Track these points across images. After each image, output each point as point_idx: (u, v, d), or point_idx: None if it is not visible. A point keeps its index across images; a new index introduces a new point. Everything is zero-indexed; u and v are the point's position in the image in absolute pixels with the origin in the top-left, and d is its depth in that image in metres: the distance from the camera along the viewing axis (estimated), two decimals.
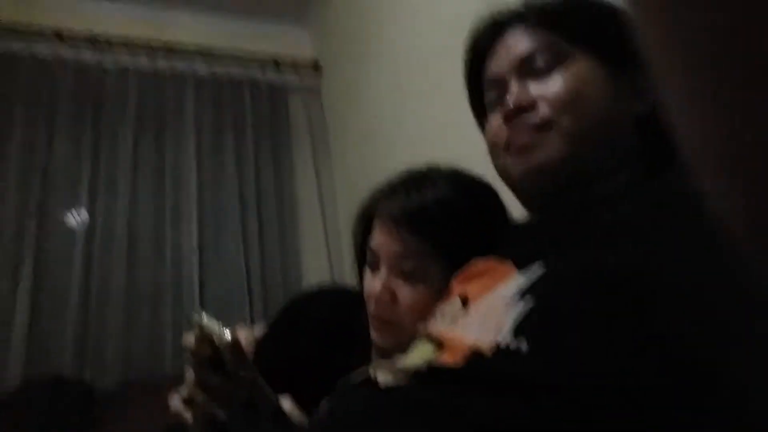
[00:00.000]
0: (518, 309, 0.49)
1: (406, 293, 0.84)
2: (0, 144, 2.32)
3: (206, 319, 0.67)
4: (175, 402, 0.81)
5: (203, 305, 2.40)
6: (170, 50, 2.72)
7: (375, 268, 0.87)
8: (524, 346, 0.45)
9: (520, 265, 0.58)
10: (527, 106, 0.68)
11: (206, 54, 2.79)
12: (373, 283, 0.86)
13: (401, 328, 0.83)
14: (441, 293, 0.78)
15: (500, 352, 0.47)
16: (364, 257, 0.92)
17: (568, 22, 0.71)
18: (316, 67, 3.02)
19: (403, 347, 0.70)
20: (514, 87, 0.71)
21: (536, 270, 0.54)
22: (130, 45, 2.65)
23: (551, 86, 0.68)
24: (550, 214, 0.69)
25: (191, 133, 2.64)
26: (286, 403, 0.75)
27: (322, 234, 2.71)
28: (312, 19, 3.09)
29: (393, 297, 0.84)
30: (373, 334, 0.87)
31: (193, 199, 2.54)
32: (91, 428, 1.90)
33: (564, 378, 0.42)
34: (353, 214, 0.98)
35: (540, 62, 0.70)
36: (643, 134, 0.68)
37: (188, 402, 0.77)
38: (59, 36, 2.53)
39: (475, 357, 0.48)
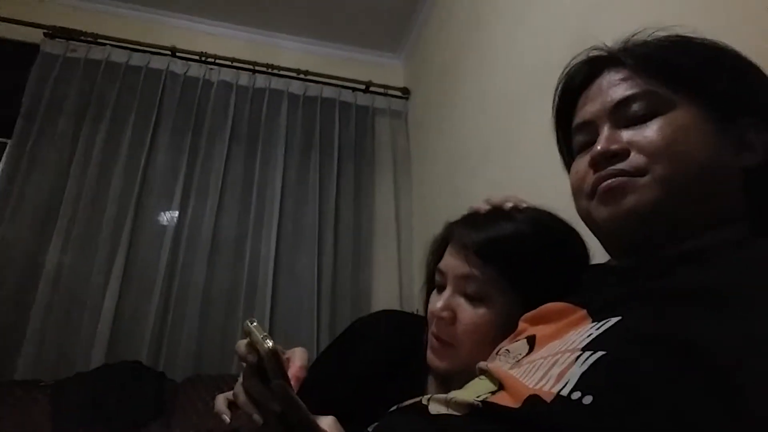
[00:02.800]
0: (587, 361, 0.46)
1: (466, 313, 0.82)
2: (114, 143, 2.55)
3: (254, 327, 0.70)
4: (220, 402, 0.82)
5: (273, 312, 2.47)
6: (270, 70, 2.91)
7: (441, 288, 0.87)
8: (587, 399, 0.43)
9: (596, 315, 0.55)
10: (619, 153, 0.63)
11: (303, 76, 2.95)
12: (436, 302, 0.85)
13: (457, 351, 0.82)
14: (502, 322, 0.76)
15: (561, 400, 0.44)
16: (434, 281, 0.92)
17: (672, 67, 0.64)
18: (404, 92, 3.09)
19: (458, 372, 0.69)
20: (605, 132, 0.65)
21: (612, 323, 0.50)
22: (234, 63, 2.86)
23: (647, 134, 0.61)
24: (636, 263, 0.63)
25: (281, 147, 2.78)
26: (326, 422, 0.74)
27: (394, 255, 2.73)
28: (405, 50, 3.19)
29: (453, 316, 0.83)
30: (429, 356, 0.86)
31: (275, 210, 2.65)
32: (161, 412, 1.98)
33: None
34: (427, 238, 0.98)
35: (637, 109, 0.63)
36: (752, 189, 0.62)
37: (231, 404, 0.79)
38: (173, 52, 2.79)
39: (534, 402, 0.46)
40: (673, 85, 0.62)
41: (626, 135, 0.63)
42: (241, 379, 0.75)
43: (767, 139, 0.62)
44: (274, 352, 0.66)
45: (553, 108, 0.78)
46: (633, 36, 0.70)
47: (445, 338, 0.83)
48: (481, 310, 0.81)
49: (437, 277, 0.88)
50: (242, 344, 0.71)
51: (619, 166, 0.62)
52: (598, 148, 0.64)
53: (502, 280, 0.80)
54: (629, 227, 0.62)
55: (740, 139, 0.62)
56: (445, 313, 0.82)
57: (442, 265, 0.87)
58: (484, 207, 0.90)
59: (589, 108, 0.69)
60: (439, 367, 0.84)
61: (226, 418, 0.79)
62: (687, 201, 0.59)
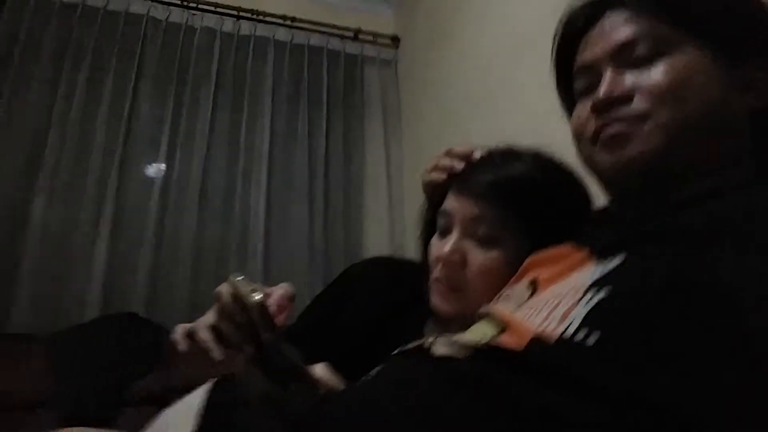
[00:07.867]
0: (591, 300, 0.46)
1: (477, 257, 0.79)
2: (95, 92, 2.45)
3: (240, 282, 0.68)
4: (179, 333, 0.76)
5: (266, 262, 2.46)
6: (255, 16, 2.80)
7: (446, 232, 0.83)
8: (591, 339, 0.42)
9: (599, 255, 0.54)
10: (621, 98, 0.62)
11: (289, 23, 2.85)
12: (442, 246, 0.82)
13: (467, 295, 0.80)
14: (512, 266, 0.73)
15: (564, 342, 0.44)
16: (432, 226, 0.89)
17: (677, 7, 0.62)
18: (394, 40, 3.02)
19: (465, 318, 0.68)
20: (608, 75, 0.64)
21: (617, 261, 0.50)
22: (218, 9, 2.74)
23: (651, 76, 0.60)
24: (640, 206, 0.64)
25: (268, 97, 2.70)
26: (320, 369, 0.73)
27: (385, 205, 2.72)
28: None
29: (463, 260, 0.80)
30: (436, 300, 0.83)
31: (264, 160, 2.60)
32: (158, 364, 1.98)
33: (628, 381, 0.39)
34: (419, 188, 0.95)
35: (641, 50, 0.62)
36: (757, 131, 0.61)
37: (190, 335, 0.76)
38: None
39: (538, 343, 0.46)
40: (678, 24, 0.61)
41: (629, 78, 0.62)
42: (208, 320, 0.73)
43: None
44: (261, 305, 0.65)
45: (552, 52, 0.76)
46: None
47: (454, 283, 0.80)
48: (493, 254, 0.79)
49: (441, 221, 0.85)
50: (226, 293, 0.71)
51: (623, 112, 0.61)
52: (601, 93, 0.63)
53: (513, 221, 0.78)
54: (632, 175, 0.62)
55: (746, 79, 0.61)
56: (455, 257, 0.80)
57: (448, 207, 0.83)
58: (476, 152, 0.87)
59: (590, 51, 0.68)
60: (446, 312, 0.82)
61: (217, 355, 0.73)
62: (690, 146, 0.59)
